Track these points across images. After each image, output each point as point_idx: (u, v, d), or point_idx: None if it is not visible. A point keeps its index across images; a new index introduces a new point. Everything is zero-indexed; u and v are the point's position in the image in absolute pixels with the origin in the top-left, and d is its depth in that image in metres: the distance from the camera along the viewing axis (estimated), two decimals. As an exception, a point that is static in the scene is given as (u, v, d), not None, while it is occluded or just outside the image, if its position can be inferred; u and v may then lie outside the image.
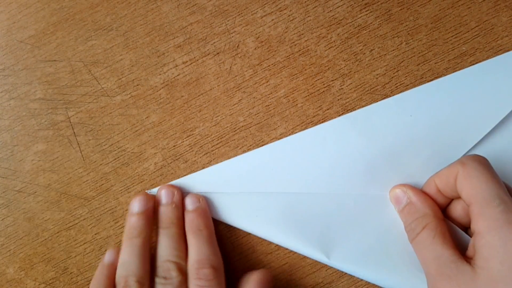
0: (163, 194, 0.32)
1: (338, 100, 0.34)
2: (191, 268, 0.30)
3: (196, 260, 0.30)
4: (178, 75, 0.34)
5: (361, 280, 0.33)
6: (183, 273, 0.30)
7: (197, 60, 0.34)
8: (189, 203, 0.32)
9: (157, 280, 0.29)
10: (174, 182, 0.34)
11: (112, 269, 0.30)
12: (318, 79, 0.34)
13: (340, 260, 0.32)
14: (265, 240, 0.33)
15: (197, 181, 0.34)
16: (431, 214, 0.29)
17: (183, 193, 0.33)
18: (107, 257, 0.31)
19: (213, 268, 0.29)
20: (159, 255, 0.30)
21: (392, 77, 0.34)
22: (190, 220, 0.31)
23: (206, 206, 0.32)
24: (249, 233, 0.34)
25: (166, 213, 0.32)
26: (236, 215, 0.33)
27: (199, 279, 0.29)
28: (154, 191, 0.34)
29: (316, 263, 0.33)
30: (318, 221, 0.33)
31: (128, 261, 0.30)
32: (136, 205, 0.32)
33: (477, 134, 0.32)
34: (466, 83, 0.33)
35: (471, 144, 0.32)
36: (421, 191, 0.31)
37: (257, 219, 0.33)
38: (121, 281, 0.29)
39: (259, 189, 0.33)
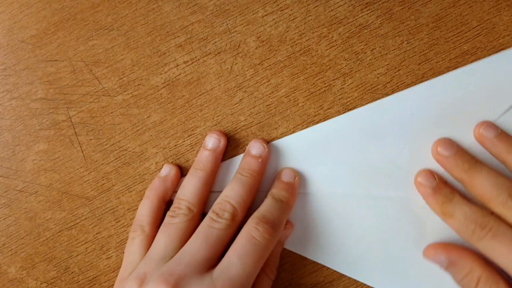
0: (254, 146, 0.33)
1: (339, 99, 0.34)
2: (253, 216, 0.30)
3: (264, 215, 0.30)
4: (179, 75, 0.34)
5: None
6: (235, 220, 0.30)
7: (198, 59, 0.34)
8: (286, 176, 0.32)
9: (210, 213, 0.30)
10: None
11: (166, 182, 0.33)
12: (319, 79, 0.34)
13: (339, 261, 0.32)
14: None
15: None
16: (480, 265, 0.29)
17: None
18: (163, 171, 0.33)
19: (273, 229, 0.29)
20: (224, 194, 0.31)
21: (393, 77, 0.34)
22: (279, 188, 0.32)
23: (299, 185, 0.32)
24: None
25: (249, 163, 0.32)
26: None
27: (256, 229, 0.29)
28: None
29: (317, 262, 0.33)
30: (319, 221, 0.33)
31: (187, 188, 0.32)
32: (210, 141, 0.33)
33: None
34: (467, 81, 0.33)
35: (472, 141, 0.32)
36: (460, 247, 0.30)
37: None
38: (176, 202, 0.32)
39: (260, 188, 0.33)
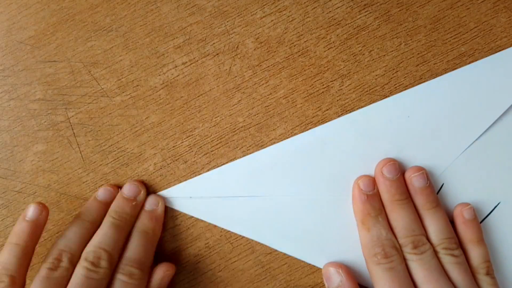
0: (128, 188, 0.33)
1: (338, 100, 0.34)
2: (120, 263, 0.30)
3: (129, 258, 0.30)
4: (177, 76, 0.35)
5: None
6: (112, 266, 0.30)
7: (197, 60, 0.34)
8: (149, 203, 0.33)
9: (84, 262, 0.29)
10: (172, 188, 0.34)
11: None
12: (318, 80, 0.34)
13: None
14: (265, 240, 0.34)
15: (196, 186, 0.34)
16: None
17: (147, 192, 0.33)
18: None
19: (141, 270, 0.30)
20: (97, 240, 0.30)
21: (391, 78, 0.34)
22: (142, 219, 0.32)
23: (163, 212, 0.33)
24: (249, 234, 0.34)
25: (122, 206, 0.32)
26: (235, 220, 0.33)
27: (124, 274, 0.30)
28: (161, 194, 0.34)
29: (313, 265, 0.33)
30: (318, 224, 0.33)
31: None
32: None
33: (475, 132, 0.32)
34: (464, 82, 0.33)
35: (468, 142, 0.32)
36: (354, 276, 0.32)
37: (255, 223, 0.33)
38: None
39: (259, 193, 0.33)
